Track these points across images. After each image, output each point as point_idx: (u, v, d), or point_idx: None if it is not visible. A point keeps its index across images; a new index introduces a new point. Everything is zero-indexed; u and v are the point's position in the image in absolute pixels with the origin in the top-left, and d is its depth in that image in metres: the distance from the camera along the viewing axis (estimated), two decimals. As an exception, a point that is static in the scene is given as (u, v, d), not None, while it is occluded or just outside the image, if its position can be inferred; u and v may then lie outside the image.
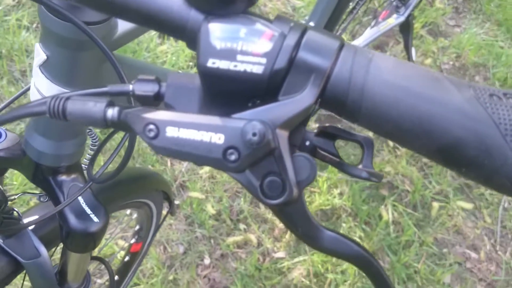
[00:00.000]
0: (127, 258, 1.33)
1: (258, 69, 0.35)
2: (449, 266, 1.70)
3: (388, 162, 1.85)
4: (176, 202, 1.70)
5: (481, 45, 2.26)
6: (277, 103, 0.36)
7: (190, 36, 0.38)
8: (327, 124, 0.42)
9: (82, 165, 0.73)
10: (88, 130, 0.70)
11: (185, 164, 1.79)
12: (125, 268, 1.33)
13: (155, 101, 0.39)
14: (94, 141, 0.74)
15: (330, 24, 1.47)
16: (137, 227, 1.29)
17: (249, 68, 0.35)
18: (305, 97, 0.36)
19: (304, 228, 0.40)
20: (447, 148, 0.34)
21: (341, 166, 0.39)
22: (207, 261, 1.63)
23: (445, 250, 1.74)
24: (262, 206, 1.74)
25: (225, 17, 0.36)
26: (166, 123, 0.36)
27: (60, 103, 0.39)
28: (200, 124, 0.36)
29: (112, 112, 0.39)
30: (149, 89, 0.39)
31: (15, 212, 0.71)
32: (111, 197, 0.88)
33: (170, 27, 0.38)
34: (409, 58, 1.85)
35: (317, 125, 1.55)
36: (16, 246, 0.70)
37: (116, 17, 0.41)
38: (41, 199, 0.73)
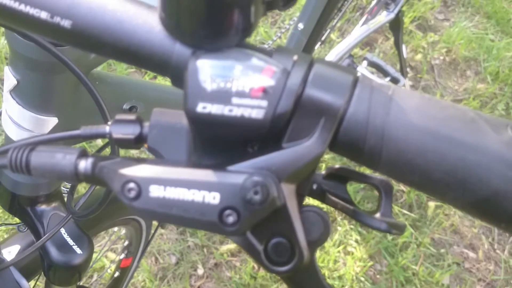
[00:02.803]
0: (117, 274, 1.29)
1: (258, 114, 0.30)
2: (447, 267, 1.67)
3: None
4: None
5: (471, 38, 2.23)
6: (282, 152, 0.31)
7: (175, 73, 0.32)
8: (337, 166, 0.36)
9: (64, 189, 0.69)
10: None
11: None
12: (116, 284, 1.29)
13: (137, 144, 0.34)
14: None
15: (319, 26, 1.42)
16: (126, 242, 1.24)
17: (247, 112, 0.30)
18: (315, 143, 0.30)
19: None
20: (485, 201, 0.30)
21: (356, 215, 0.34)
22: (200, 271, 1.59)
23: (442, 250, 1.70)
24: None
25: (216, 52, 0.31)
26: (150, 181, 0.30)
27: (23, 155, 0.34)
28: (191, 181, 0.30)
29: (85, 165, 0.33)
30: (129, 131, 0.33)
31: (-8, 244, 0.66)
32: (95, 219, 0.83)
33: (152, 63, 0.32)
34: (400, 55, 1.81)
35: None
36: (-6, 281, 0.65)
37: (92, 53, 0.35)
38: (21, 229, 0.68)
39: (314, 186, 0.36)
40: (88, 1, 0.32)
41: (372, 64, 1.62)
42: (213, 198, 0.30)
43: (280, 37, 1.87)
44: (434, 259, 1.68)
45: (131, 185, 0.30)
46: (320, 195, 0.36)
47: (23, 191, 0.62)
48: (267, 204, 0.30)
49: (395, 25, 1.73)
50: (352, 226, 1.69)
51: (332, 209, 1.62)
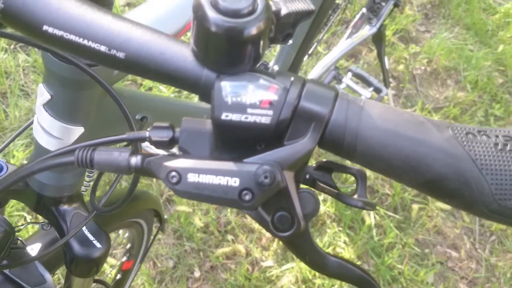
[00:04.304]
0: (119, 276, 1.35)
1: (266, 120, 0.40)
2: (431, 266, 1.76)
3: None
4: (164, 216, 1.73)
5: (452, 49, 2.34)
6: (283, 148, 0.41)
7: (203, 91, 0.42)
8: (324, 160, 0.46)
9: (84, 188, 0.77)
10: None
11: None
12: (118, 286, 1.36)
13: (169, 145, 0.43)
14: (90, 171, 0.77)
15: (307, 40, 1.53)
16: (128, 245, 1.32)
17: (258, 119, 0.40)
18: (307, 141, 0.40)
19: (311, 257, 0.45)
20: (432, 182, 0.39)
21: (339, 196, 0.44)
22: (197, 274, 1.66)
23: (427, 250, 1.79)
24: (248, 216, 1.78)
25: (234, 75, 0.41)
26: (187, 170, 0.40)
27: (87, 154, 0.43)
28: (218, 169, 0.40)
29: (135, 160, 0.43)
30: (164, 135, 0.43)
31: (19, 240, 0.74)
32: (107, 221, 0.91)
33: (185, 84, 0.43)
34: (383, 66, 1.91)
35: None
36: (22, 274, 0.73)
37: (134, 75, 0.45)
38: (44, 228, 0.76)
39: (307, 176, 0.46)
40: (137, 37, 0.42)
41: (356, 75, 1.73)
42: (234, 182, 0.40)
43: (270, 51, 1.96)
44: (418, 259, 1.78)
45: (173, 173, 0.40)
46: (312, 183, 0.46)
47: (49, 192, 0.70)
48: (274, 185, 0.39)
49: (378, 38, 1.83)
50: (340, 228, 1.78)
51: (321, 213, 1.70)
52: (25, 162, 1.80)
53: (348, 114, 0.40)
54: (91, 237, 0.71)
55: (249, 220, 1.77)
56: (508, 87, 2.28)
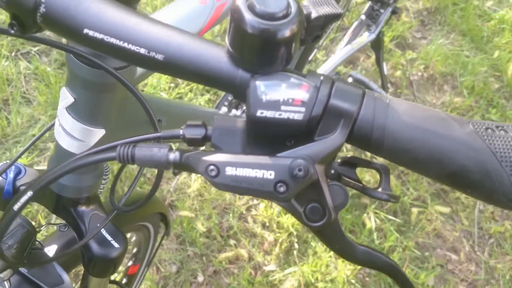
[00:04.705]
0: (124, 281, 1.37)
1: (298, 116, 0.42)
2: (432, 269, 1.78)
3: (367, 172, 1.93)
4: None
5: (448, 55, 2.37)
6: (315, 143, 0.43)
7: (238, 91, 0.45)
8: (348, 155, 0.48)
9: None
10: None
11: (173, 183, 1.83)
12: (124, 290, 1.37)
13: (203, 142, 0.45)
14: (106, 171, 0.79)
15: (307, 48, 1.55)
16: (135, 249, 1.33)
17: (291, 115, 0.42)
18: (337, 137, 0.43)
19: (341, 245, 0.47)
20: (455, 174, 0.42)
21: (364, 190, 0.46)
22: (200, 278, 1.68)
23: (427, 253, 1.82)
24: (250, 220, 1.80)
25: (268, 75, 0.43)
26: (226, 164, 0.43)
27: (128, 150, 0.45)
28: (254, 163, 0.42)
29: (174, 156, 0.45)
30: (197, 132, 0.46)
31: (37, 242, 0.75)
32: (120, 223, 0.92)
33: (220, 83, 0.45)
34: (381, 72, 1.94)
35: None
36: (41, 275, 0.75)
37: (170, 76, 0.48)
38: (61, 229, 0.77)
39: (332, 171, 0.48)
40: (175, 40, 0.44)
41: (356, 80, 1.76)
42: (270, 174, 0.42)
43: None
44: (419, 262, 1.80)
45: (212, 167, 0.43)
46: (337, 177, 0.48)
47: (68, 193, 0.71)
48: (307, 178, 0.42)
49: (376, 45, 1.87)
50: (342, 232, 1.80)
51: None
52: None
53: (376, 110, 0.42)
54: (109, 237, 0.73)
55: (251, 225, 1.79)
56: (504, 92, 2.31)
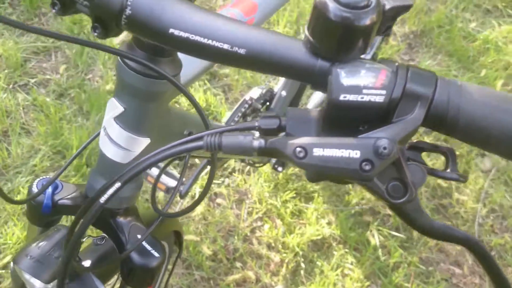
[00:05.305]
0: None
1: (380, 99, 0.45)
2: (437, 283, 1.80)
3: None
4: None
5: (436, 75, 2.44)
6: (394, 124, 0.46)
7: (317, 80, 0.48)
8: (415, 140, 0.51)
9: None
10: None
11: (176, 208, 1.84)
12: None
13: (277, 132, 0.48)
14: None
15: (299, 92, 1.60)
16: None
17: (373, 98, 0.45)
18: (415, 118, 0.46)
19: (420, 221, 0.50)
20: None
21: (433, 172, 0.49)
22: (209, 301, 1.67)
23: (431, 268, 1.84)
24: (255, 242, 1.81)
25: (347, 63, 0.46)
26: (313, 145, 0.45)
27: (215, 138, 0.47)
28: (340, 143, 0.45)
29: (259, 142, 0.48)
30: (272, 123, 0.49)
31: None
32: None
33: (298, 74, 0.48)
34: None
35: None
36: (79, 287, 0.75)
37: (251, 70, 0.51)
38: (98, 242, 0.78)
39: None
40: (255, 35, 0.48)
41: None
42: (355, 153, 0.45)
43: (270, 82, 2.04)
44: (424, 277, 1.82)
45: (299, 149, 0.45)
46: (405, 161, 0.50)
47: (111, 204, 0.72)
48: (391, 156, 0.45)
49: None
50: (347, 250, 1.81)
51: (327, 236, 1.72)
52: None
53: (450, 92, 0.45)
54: (148, 247, 0.74)
55: (256, 246, 1.80)
56: (493, 110, 2.38)
